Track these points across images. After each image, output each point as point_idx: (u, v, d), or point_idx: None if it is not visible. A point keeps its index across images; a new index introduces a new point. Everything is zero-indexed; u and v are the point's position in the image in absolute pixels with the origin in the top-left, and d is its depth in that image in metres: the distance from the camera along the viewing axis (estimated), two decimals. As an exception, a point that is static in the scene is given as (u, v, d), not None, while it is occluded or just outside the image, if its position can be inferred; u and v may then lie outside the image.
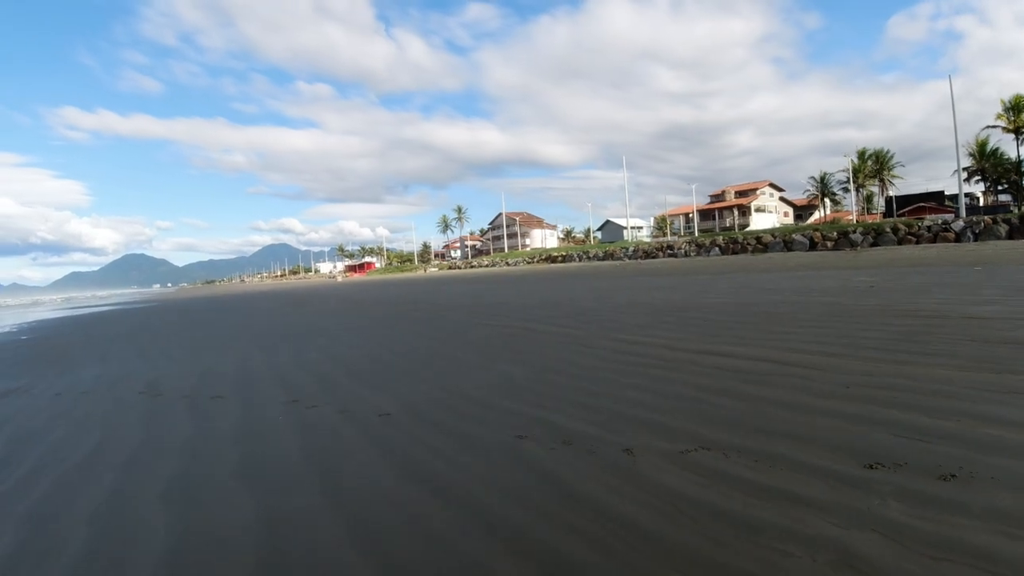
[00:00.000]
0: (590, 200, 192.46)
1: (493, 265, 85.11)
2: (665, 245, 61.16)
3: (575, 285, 24.25)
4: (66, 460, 4.84)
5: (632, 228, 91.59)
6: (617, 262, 59.18)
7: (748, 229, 71.37)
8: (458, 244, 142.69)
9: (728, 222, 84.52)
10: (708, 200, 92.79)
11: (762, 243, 53.00)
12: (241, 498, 3.70)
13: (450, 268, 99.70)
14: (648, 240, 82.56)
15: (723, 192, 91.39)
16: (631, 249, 64.58)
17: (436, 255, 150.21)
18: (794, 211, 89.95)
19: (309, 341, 11.39)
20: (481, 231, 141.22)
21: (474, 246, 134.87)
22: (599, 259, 66.45)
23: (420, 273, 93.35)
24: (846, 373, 5.74)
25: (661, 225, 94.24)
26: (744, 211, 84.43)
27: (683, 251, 58.08)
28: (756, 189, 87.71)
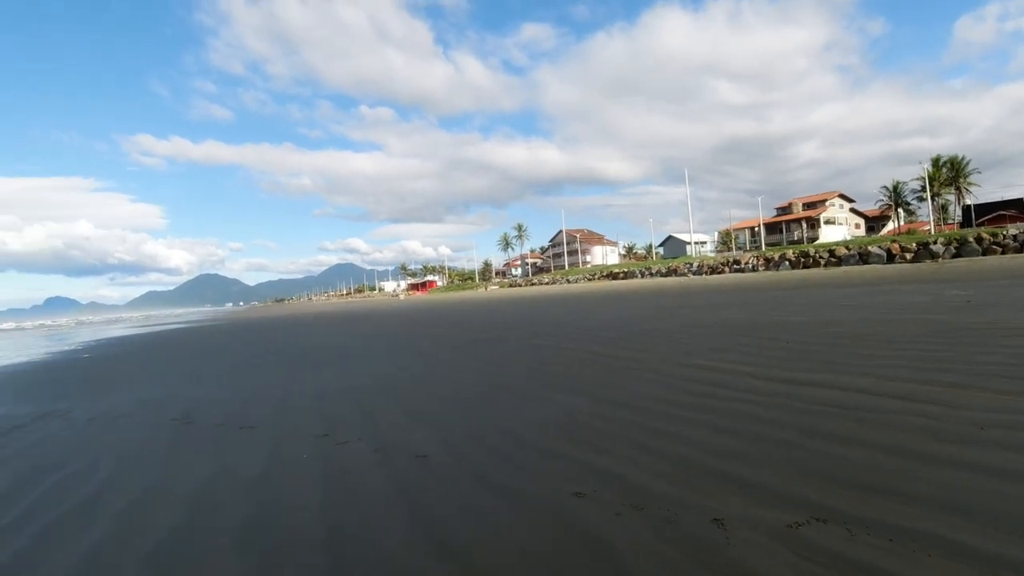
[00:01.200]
0: (651, 216, 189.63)
1: (553, 283, 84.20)
2: (731, 260, 59.02)
3: (638, 303, 23.24)
4: (63, 503, 4.41)
5: (695, 243, 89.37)
6: (681, 278, 57.48)
7: (818, 242, 68.56)
8: (519, 262, 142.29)
9: (796, 235, 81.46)
10: (774, 213, 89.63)
11: (835, 256, 50.59)
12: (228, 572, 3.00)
13: (510, 286, 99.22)
14: (712, 255, 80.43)
15: (790, 204, 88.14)
16: (695, 264, 62.70)
17: (497, 273, 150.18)
18: (865, 223, 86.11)
19: (360, 363, 10.85)
20: (541, 249, 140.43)
21: (535, 264, 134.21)
22: (662, 275, 64.76)
23: (480, 292, 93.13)
24: (975, 408, 4.73)
25: (726, 240, 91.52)
26: (813, 223, 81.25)
27: (751, 266, 55.98)
28: (825, 200, 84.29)
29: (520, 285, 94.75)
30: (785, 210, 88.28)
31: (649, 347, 9.73)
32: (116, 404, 8.73)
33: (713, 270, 59.15)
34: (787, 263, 53.01)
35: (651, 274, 66.93)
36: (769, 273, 49.59)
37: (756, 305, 16.90)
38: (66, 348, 25.70)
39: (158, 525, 3.75)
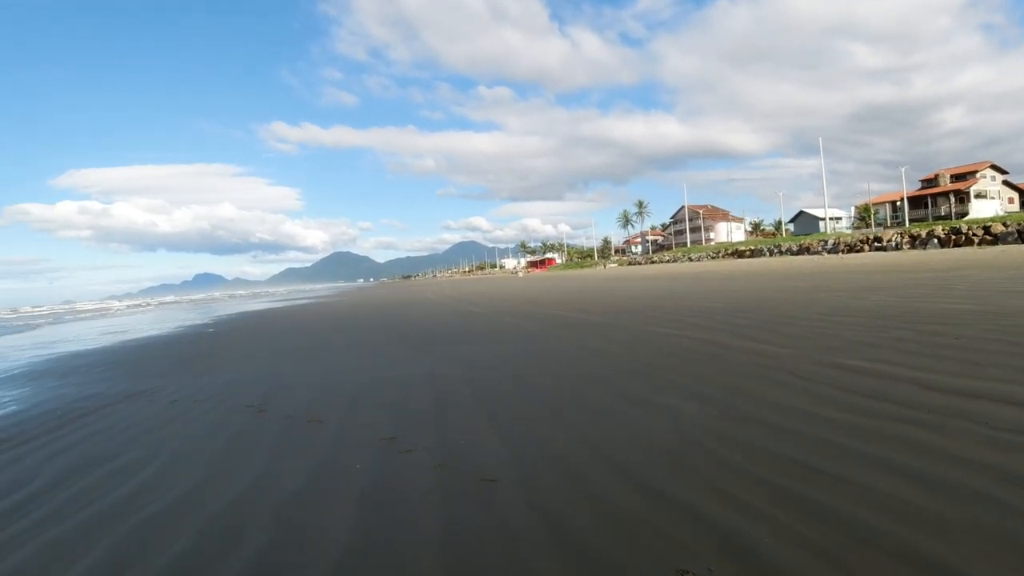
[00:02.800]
0: (780, 190, 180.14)
1: (674, 261, 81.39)
2: (871, 237, 54.25)
3: (768, 284, 21.23)
4: (87, 507, 4.00)
5: (829, 219, 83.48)
6: (814, 257, 53.53)
7: (968, 218, 62.21)
8: (639, 239, 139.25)
9: (943, 210, 74.21)
10: (918, 186, 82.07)
11: (991, 233, 45.34)
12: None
13: (629, 264, 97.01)
14: (849, 232, 74.78)
15: (936, 176, 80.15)
16: (830, 242, 58.22)
17: (616, 251, 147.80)
18: (1020, 197, 77.35)
19: (457, 347, 10.14)
20: (663, 225, 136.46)
21: (655, 241, 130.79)
22: (793, 253, 60.74)
23: (599, 269, 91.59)
24: None
25: (863, 215, 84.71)
26: (962, 197, 73.68)
27: (893, 243, 51.26)
28: (975, 172, 76.06)
29: (639, 263, 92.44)
30: (930, 182, 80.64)
31: (784, 339, 8.33)
32: (206, 385, 8.53)
33: (851, 248, 54.64)
34: (935, 241, 48.15)
35: (780, 252, 63.06)
36: (915, 252, 45.14)
37: (906, 289, 14.82)
38: (197, 322, 26.90)
39: (161, 549, 3.15)
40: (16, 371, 12.31)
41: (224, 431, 5.75)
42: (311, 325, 18.89)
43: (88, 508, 3.96)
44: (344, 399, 6.67)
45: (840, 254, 52.74)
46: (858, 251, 53.08)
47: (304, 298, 56.54)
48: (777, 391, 5.41)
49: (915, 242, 49.91)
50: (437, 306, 23.70)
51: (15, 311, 76.61)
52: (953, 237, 47.06)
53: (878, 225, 75.85)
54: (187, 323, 26.57)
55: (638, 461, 3.91)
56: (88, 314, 52.97)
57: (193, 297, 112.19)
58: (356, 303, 33.71)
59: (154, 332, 22.08)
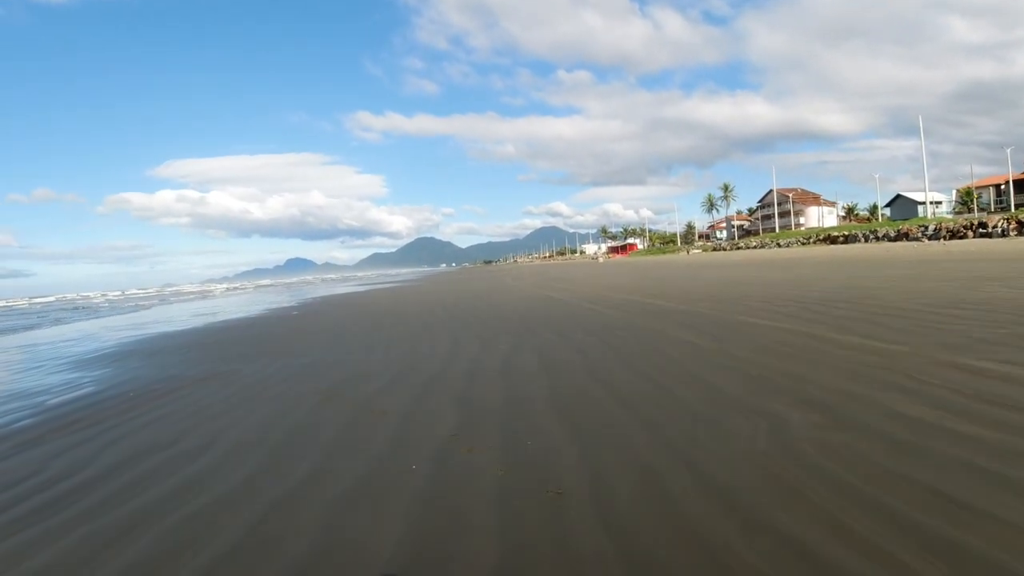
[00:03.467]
0: (874, 173, 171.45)
1: (762, 246, 78.43)
2: (975, 223, 50.32)
3: (865, 272, 19.83)
4: (134, 499, 3.83)
5: (930, 203, 78.41)
6: (913, 243, 50.29)
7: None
8: (724, 224, 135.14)
9: (1053, 194, 68.83)
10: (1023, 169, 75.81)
11: (1113, 219, 41.64)
12: None
13: (714, 250, 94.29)
14: (950, 217, 70.09)
15: None
16: (931, 227, 54.50)
17: (700, 236, 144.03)
18: None
19: (534, 337, 9.72)
20: (749, 210, 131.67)
21: (741, 226, 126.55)
22: (890, 239, 57.29)
23: (682, 255, 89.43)
24: None
25: (965, 199, 78.93)
26: (1074, 180, 68.12)
27: (999, 230, 47.41)
28: (1089, 152, 69.95)
29: (724, 249, 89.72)
30: (1039, 164, 74.64)
31: (893, 334, 7.50)
32: (280, 368, 8.53)
33: (952, 234, 51.00)
34: (1048, 227, 44.48)
35: (877, 238, 59.69)
36: (1022, 239, 41.86)
37: (1020, 279, 13.45)
38: (284, 304, 27.54)
39: (197, 551, 2.93)
40: (106, 351, 12.73)
41: (286, 421, 5.54)
42: (391, 310, 18.92)
43: (134, 500, 3.80)
44: (412, 389, 6.39)
45: (942, 240, 49.38)
46: (961, 237, 49.53)
47: (388, 282, 57.57)
48: (894, 397, 4.70)
49: (1023, 229, 46.23)
50: (516, 292, 23.38)
51: (123, 293, 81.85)
52: (1068, 223, 43.29)
53: (981, 210, 70.81)
54: (275, 305, 27.26)
55: (732, 479, 3.36)
56: (190, 296, 55.78)
57: (287, 280, 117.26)
58: (437, 288, 33.86)
59: (242, 314, 22.69)
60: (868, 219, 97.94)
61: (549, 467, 3.76)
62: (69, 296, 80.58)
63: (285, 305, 27.04)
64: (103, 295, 77.97)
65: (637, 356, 7.29)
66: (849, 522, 2.77)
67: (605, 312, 12.58)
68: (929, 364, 5.70)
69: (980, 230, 49.32)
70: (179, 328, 18.17)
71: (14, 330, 23.13)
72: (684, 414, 4.69)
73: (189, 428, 5.59)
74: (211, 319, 21.48)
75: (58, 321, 27.34)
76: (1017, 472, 3.17)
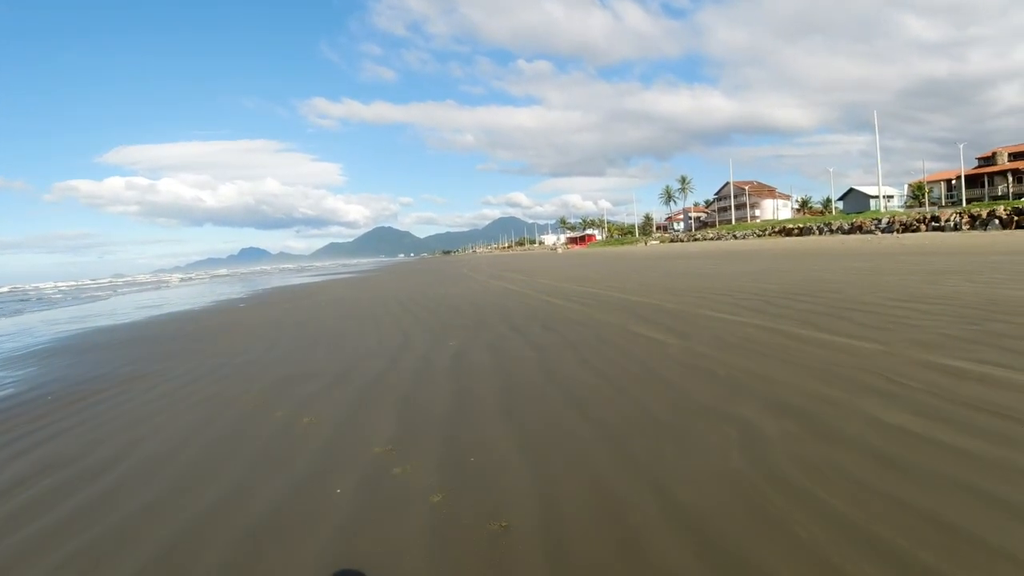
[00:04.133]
0: (828, 167, 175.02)
1: (718, 238, 79.13)
2: (928, 217, 51.34)
3: (824, 265, 19.78)
4: (23, 527, 3.28)
5: (883, 197, 79.87)
6: (867, 236, 51.11)
7: (1027, 198, 59.08)
8: (681, 216, 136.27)
9: (1000, 190, 70.50)
10: (974, 164, 77.75)
11: (1059, 214, 42.78)
12: None
13: (671, 241, 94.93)
14: (902, 211, 71.55)
15: (993, 154, 75.74)
16: (884, 221, 55.49)
17: (658, 227, 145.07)
18: (1083, 177, 73.02)
19: (485, 332, 9.27)
20: (706, 202, 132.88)
21: (698, 218, 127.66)
22: (844, 232, 58.17)
23: (640, 246, 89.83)
24: None
25: (916, 194, 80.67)
26: (1020, 176, 69.97)
27: (952, 223, 48.43)
28: (1036, 150, 72.25)
29: (681, 240, 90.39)
30: (987, 160, 76.52)
31: (862, 329, 7.17)
32: (215, 367, 7.97)
33: (906, 228, 51.99)
34: (997, 222, 45.35)
35: (831, 231, 60.62)
36: (976, 233, 42.60)
37: (981, 273, 13.40)
38: (233, 296, 26.59)
39: None
40: (37, 347, 12.01)
41: (208, 431, 4.98)
42: (342, 302, 18.21)
43: (16, 534, 3.21)
44: (353, 392, 5.87)
45: (895, 234, 50.29)
46: (914, 231, 50.52)
47: (344, 273, 56.48)
48: (873, 402, 4.32)
49: (975, 222, 47.15)
50: (472, 283, 22.84)
51: (78, 283, 79.58)
52: (1016, 218, 44.26)
53: (932, 204, 72.55)
54: (224, 297, 26.33)
55: (704, 507, 2.90)
56: (145, 286, 54.24)
57: (242, 271, 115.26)
58: (392, 279, 33.12)
59: (188, 306, 21.81)
60: (822, 212, 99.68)
61: (493, 490, 3.27)
62: (23, 287, 78.45)
63: (234, 297, 26.09)
64: (55, 285, 76.08)
65: (597, 354, 6.83)
66: (834, 556, 2.35)
67: (563, 305, 12.14)
68: (904, 364, 5.36)
69: (933, 224, 50.35)
70: (119, 322, 17.29)
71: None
72: (648, 423, 4.24)
73: (101, 438, 5.02)
74: (155, 311, 20.53)
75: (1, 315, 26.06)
76: (1018, 495, 2.79)
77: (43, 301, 36.09)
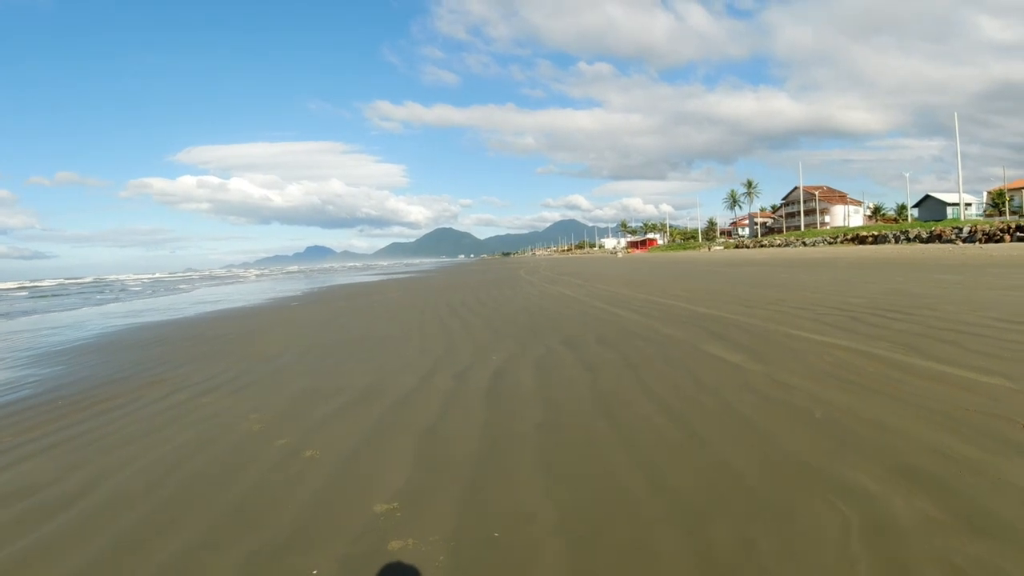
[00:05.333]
0: (898, 173, 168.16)
1: (786, 245, 76.16)
2: (1013, 226, 48.02)
3: (909, 276, 18.04)
4: None
5: (963, 204, 75.62)
6: (947, 245, 48.04)
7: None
8: (746, 221, 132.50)
9: (1088, 199, 66.45)
10: (1052, 170, 72.78)
11: None
12: None
13: (736, 247, 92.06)
14: (981, 219, 67.45)
15: None
16: (966, 229, 52.17)
17: (722, 232, 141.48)
18: None
19: (539, 343, 8.38)
20: (773, 207, 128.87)
21: (764, 223, 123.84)
22: (922, 240, 54.89)
23: (703, 252, 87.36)
24: None
25: (997, 201, 76.03)
26: (1112, 185, 65.75)
27: (1038, 233, 45.28)
28: None
29: (747, 246, 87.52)
30: (1074, 167, 71.97)
31: (981, 359, 5.88)
32: (238, 375, 7.38)
33: (989, 237, 48.53)
34: (1097, 232, 42.09)
35: (908, 239, 57.40)
36: (1071, 243, 39.59)
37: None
38: (290, 293, 26.41)
39: None
40: (79, 343, 12.15)
41: (194, 461, 4.24)
42: (393, 303, 17.58)
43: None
44: (371, 418, 5.04)
45: (978, 243, 47.18)
46: (997, 240, 47.16)
47: (403, 272, 56.58)
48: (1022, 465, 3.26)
49: (1070, 232, 43.87)
50: (528, 287, 21.93)
51: (154, 276, 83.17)
52: (1121, 228, 40.87)
53: (1013, 213, 68.32)
54: (283, 294, 26.27)
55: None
56: (220, 280, 55.91)
57: (313, 268, 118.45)
58: (448, 281, 32.53)
59: (242, 303, 21.68)
60: (895, 219, 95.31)
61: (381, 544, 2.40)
62: (106, 278, 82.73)
63: (291, 294, 25.90)
64: (137, 278, 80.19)
65: (661, 380, 5.80)
66: None
67: (623, 315, 11.08)
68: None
69: (1019, 234, 47.05)
70: (169, 318, 17.14)
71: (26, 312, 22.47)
72: (734, 493, 3.21)
73: (79, 463, 4.37)
74: (211, 308, 20.40)
75: (71, 306, 26.54)
76: None
77: (126, 291, 37.08)
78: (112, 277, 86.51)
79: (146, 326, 14.92)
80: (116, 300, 29.58)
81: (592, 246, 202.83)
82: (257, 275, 79.26)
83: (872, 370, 5.72)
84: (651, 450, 3.90)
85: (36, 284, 69.46)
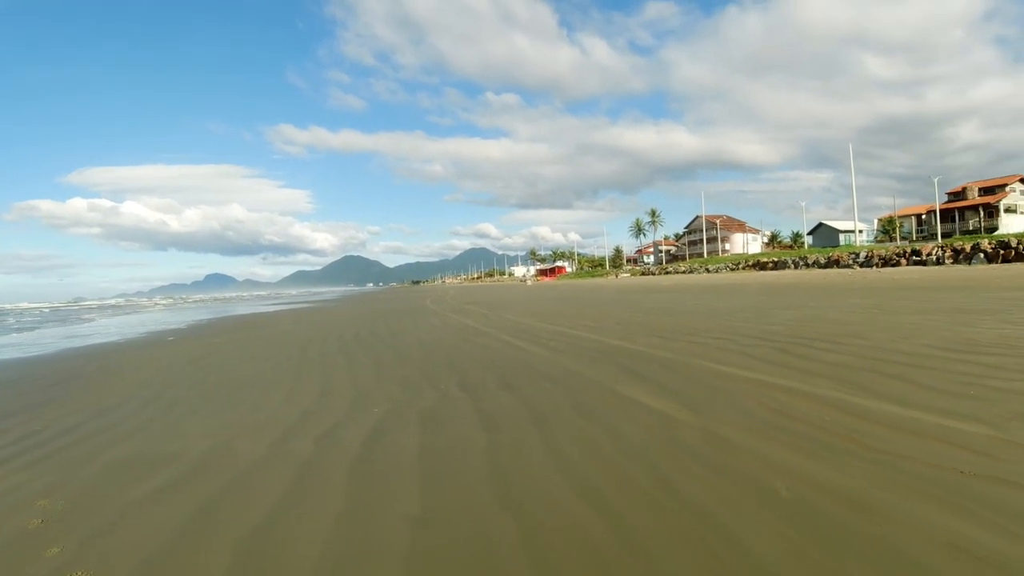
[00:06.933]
0: (790, 203, 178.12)
1: (691, 271, 77.81)
2: (908, 250, 50.32)
3: (817, 302, 17.73)
4: None
5: (858, 231, 79.57)
6: (845, 270, 49.85)
7: (998, 232, 58.91)
8: (651, 249, 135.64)
9: (971, 224, 71.08)
10: (944, 199, 78.30)
11: (1044, 246, 41.77)
12: None
13: (643, 274, 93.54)
14: (873, 245, 71.01)
15: (963, 189, 76.68)
16: (862, 255, 54.41)
17: (628, 260, 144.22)
18: (1049, 212, 73.89)
19: (431, 387, 7.12)
20: (676, 236, 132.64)
21: (668, 251, 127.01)
22: (820, 266, 56.95)
23: (611, 279, 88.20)
24: None
25: (887, 228, 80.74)
26: (991, 211, 70.52)
27: (934, 257, 47.43)
28: (1005, 185, 72.60)
29: (653, 273, 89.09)
30: (958, 195, 77.34)
31: (941, 398, 5.10)
32: (53, 435, 5.67)
33: (885, 262, 50.85)
34: (982, 255, 44.40)
35: (807, 264, 59.45)
36: (960, 267, 41.52)
37: (1010, 312, 11.63)
38: (171, 326, 24.10)
39: None
40: None
41: None
42: (279, 336, 15.86)
43: None
44: (179, 514, 3.64)
45: (875, 267, 49.17)
46: (894, 265, 49.38)
47: (304, 302, 53.90)
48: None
49: (958, 256, 46.17)
50: (431, 317, 20.61)
51: (57, 304, 77.50)
52: (1002, 252, 43.27)
53: (903, 239, 72.38)
54: (163, 326, 23.96)
55: None
56: (114, 311, 52.12)
57: (217, 296, 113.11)
58: (348, 310, 30.77)
59: (112, 338, 19.33)
60: (791, 246, 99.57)
61: None
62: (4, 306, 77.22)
63: (173, 327, 23.55)
64: (34, 306, 75.36)
65: (573, 440, 4.60)
66: None
67: (530, 350, 9.94)
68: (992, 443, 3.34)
69: (914, 258, 49.29)
70: (25, 355, 14.90)
71: None
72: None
73: None
74: (77, 343, 18.05)
75: None
76: None
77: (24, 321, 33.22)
78: (15, 305, 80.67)
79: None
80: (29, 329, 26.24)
81: (502, 274, 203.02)
82: (154, 304, 75.50)
83: (824, 418, 4.77)
84: (568, 565, 2.72)
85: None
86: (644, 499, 3.37)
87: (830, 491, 3.33)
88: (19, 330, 28.62)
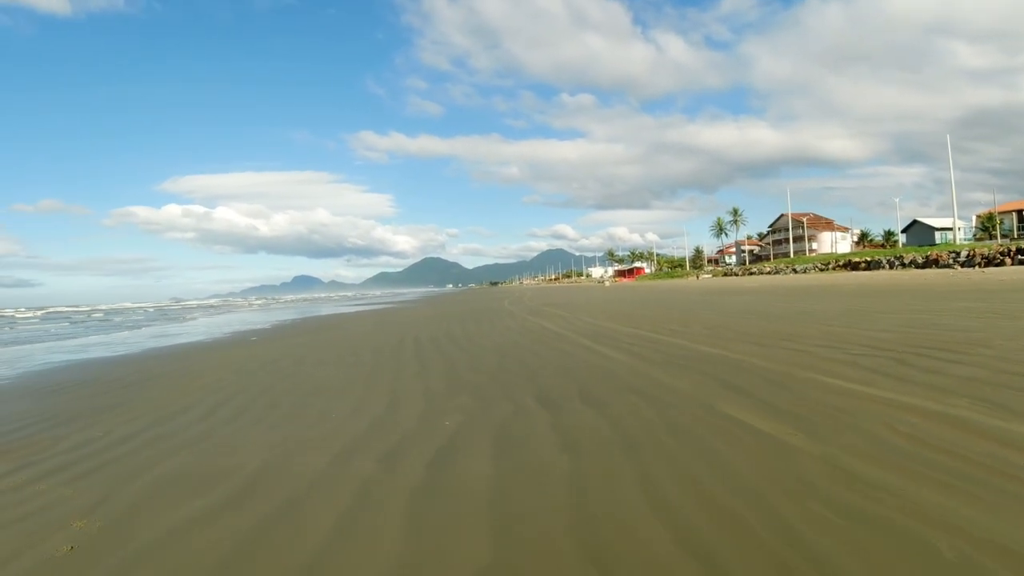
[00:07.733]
0: (880, 200, 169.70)
1: (776, 272, 74.84)
2: (1013, 249, 46.73)
3: (923, 306, 16.21)
4: None
5: (946, 229, 74.70)
6: (945, 270, 46.72)
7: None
8: (733, 249, 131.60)
9: (1081, 221, 65.91)
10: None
11: None
12: None
13: (724, 275, 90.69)
14: (971, 243, 66.37)
15: None
16: (963, 253, 50.94)
17: (709, 260, 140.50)
18: None
19: (505, 399, 6.62)
20: (759, 235, 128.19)
21: (751, 251, 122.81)
22: (918, 266, 53.54)
23: (691, 280, 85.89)
24: None
25: (986, 225, 75.40)
26: (1103, 206, 65.31)
27: (1048, 256, 43.92)
28: (1112, 176, 67.21)
29: (736, 274, 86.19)
30: (1057, 190, 71.70)
31: None
32: (92, 452, 5.27)
33: (989, 261, 47.34)
34: (1102, 254, 40.78)
35: (903, 264, 56.04)
36: (1077, 268, 38.27)
37: None
38: (256, 327, 24.54)
39: None
40: None
41: None
42: (358, 338, 15.72)
43: None
44: (212, 559, 3.21)
45: (978, 267, 45.89)
46: (998, 264, 45.90)
47: (385, 303, 54.65)
48: None
49: (1076, 255, 42.56)
50: (508, 319, 20.16)
51: (158, 304, 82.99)
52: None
53: (1004, 236, 67.45)
54: (248, 327, 24.50)
55: None
56: (212, 311, 54.58)
57: (310, 297, 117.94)
58: (427, 312, 30.73)
59: (198, 338, 19.78)
60: (882, 245, 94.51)
61: None
62: (103, 307, 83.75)
63: (258, 327, 23.98)
64: (137, 305, 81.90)
65: (672, 472, 3.92)
66: None
67: (613, 357, 9.26)
68: None
69: (1019, 256, 45.76)
70: (112, 353, 15.28)
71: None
72: None
73: None
74: (161, 342, 18.50)
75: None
76: None
77: (78, 324, 34.92)
78: (118, 305, 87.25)
79: (74, 365, 13.02)
80: (92, 332, 27.31)
81: (579, 275, 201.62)
82: (249, 304, 79.81)
83: (975, 448, 3.95)
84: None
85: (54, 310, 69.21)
86: (768, 560, 2.69)
87: (1007, 551, 2.59)
88: (130, 328, 29.79)
